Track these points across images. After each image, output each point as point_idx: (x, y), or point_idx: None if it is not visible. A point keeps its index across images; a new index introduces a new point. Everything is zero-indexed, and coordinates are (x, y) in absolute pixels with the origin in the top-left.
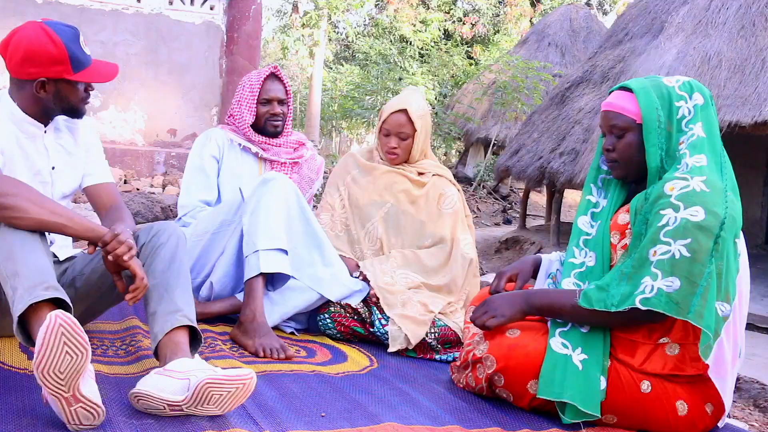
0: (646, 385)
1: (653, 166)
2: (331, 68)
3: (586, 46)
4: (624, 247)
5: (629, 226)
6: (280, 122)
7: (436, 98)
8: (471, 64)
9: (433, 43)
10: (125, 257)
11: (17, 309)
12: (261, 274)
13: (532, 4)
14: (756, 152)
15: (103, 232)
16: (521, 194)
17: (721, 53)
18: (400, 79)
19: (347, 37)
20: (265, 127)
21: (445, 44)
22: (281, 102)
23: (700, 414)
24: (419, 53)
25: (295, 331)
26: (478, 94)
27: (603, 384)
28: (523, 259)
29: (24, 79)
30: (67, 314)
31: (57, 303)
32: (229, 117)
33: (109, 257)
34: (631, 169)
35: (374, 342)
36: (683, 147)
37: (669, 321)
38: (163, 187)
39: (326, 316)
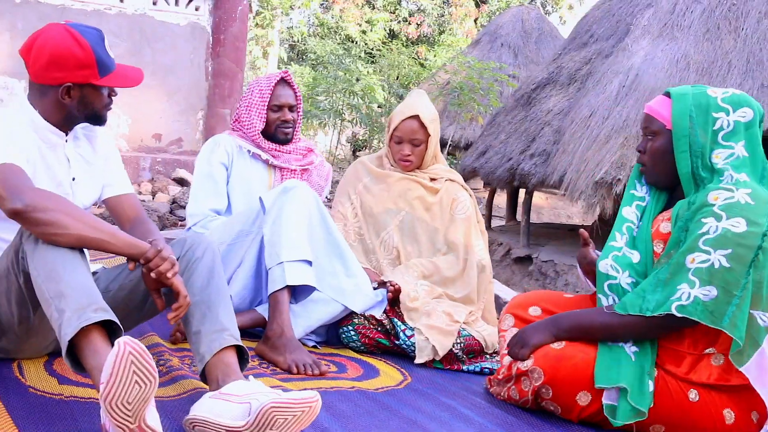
0: (693, 394)
1: (684, 173)
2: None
3: (538, 48)
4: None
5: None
6: (290, 129)
7: (393, 98)
8: (418, 64)
9: (382, 44)
10: (168, 274)
11: (66, 333)
12: (287, 286)
13: (477, 5)
14: None
15: (145, 248)
16: (479, 195)
17: (689, 56)
18: (357, 79)
19: (292, 38)
20: (276, 133)
21: (396, 45)
22: (292, 108)
23: (747, 422)
24: (368, 53)
25: (317, 344)
26: (434, 95)
27: (651, 386)
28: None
29: (48, 85)
30: (135, 341)
31: (105, 325)
32: (235, 122)
33: (152, 274)
34: (661, 174)
35: (397, 353)
36: (720, 161)
37: (713, 332)
38: (153, 194)
39: (350, 328)
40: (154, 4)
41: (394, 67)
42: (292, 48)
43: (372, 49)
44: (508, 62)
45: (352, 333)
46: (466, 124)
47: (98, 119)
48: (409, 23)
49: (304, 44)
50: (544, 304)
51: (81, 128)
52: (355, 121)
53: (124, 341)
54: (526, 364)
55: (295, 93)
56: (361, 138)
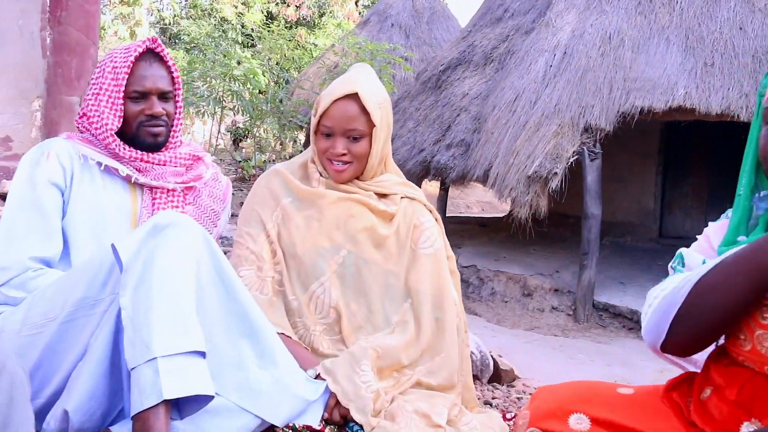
0: None
1: None
2: None
3: (430, 28)
4: None
5: None
6: (162, 128)
7: (275, 84)
8: (296, 48)
9: (264, 26)
10: None
11: None
12: (164, 401)
13: None
14: (648, 140)
15: None
16: None
17: (622, 31)
18: (239, 62)
19: (164, 20)
20: (140, 135)
21: (277, 27)
22: (164, 96)
23: None
24: (246, 36)
25: None
26: (322, 79)
27: None
28: None
29: None
30: None
31: None
32: (80, 119)
33: None
34: None
35: None
36: None
37: None
38: None
39: None
40: None
41: (274, 51)
42: (164, 31)
43: (251, 31)
44: (400, 43)
45: None
46: None
47: None
48: (288, 5)
49: (178, 26)
50: (593, 408)
51: None
52: (237, 108)
53: None
54: None
55: (171, 72)
56: (242, 126)
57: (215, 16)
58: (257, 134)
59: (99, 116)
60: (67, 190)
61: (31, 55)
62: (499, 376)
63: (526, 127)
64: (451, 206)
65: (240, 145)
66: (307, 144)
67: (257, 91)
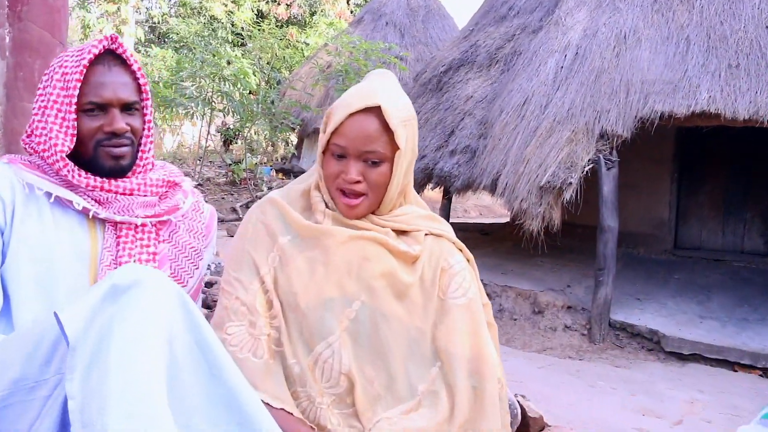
0: None
1: None
2: (140, 51)
3: (426, 27)
4: None
5: None
6: (127, 147)
7: (265, 84)
8: (287, 47)
9: (255, 24)
10: None
11: None
12: None
13: None
14: (662, 145)
15: None
16: None
17: (638, 30)
18: (229, 62)
19: (152, 18)
20: (98, 157)
21: (268, 25)
22: (128, 108)
23: None
24: (236, 35)
25: None
26: (314, 79)
27: None
28: None
29: None
30: None
31: None
32: (27, 138)
33: None
34: None
35: None
36: None
37: None
38: None
39: None
40: None
41: (265, 50)
42: (153, 29)
43: (242, 30)
44: (395, 43)
45: None
46: None
47: None
48: (279, 3)
49: (167, 25)
50: None
51: None
52: (227, 109)
53: None
54: None
55: (136, 78)
56: (232, 128)
57: (204, 15)
58: (248, 136)
59: (46, 135)
60: (6, 228)
61: None
62: (527, 425)
63: (537, 133)
64: None
65: (230, 147)
66: (300, 146)
67: (248, 91)
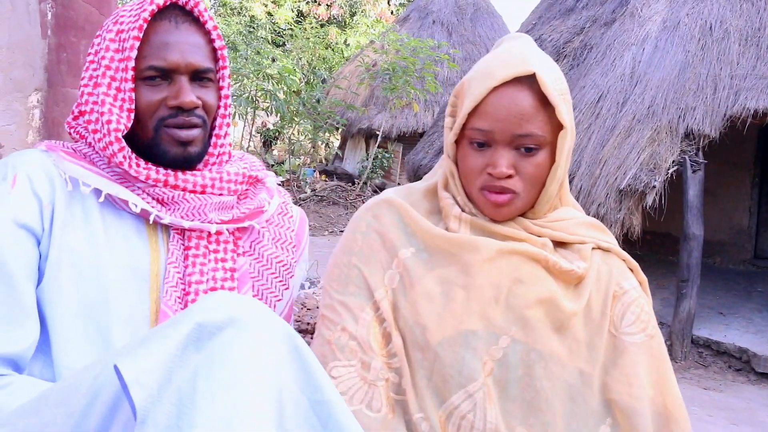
0: None
1: None
2: None
3: (474, 25)
4: None
5: None
6: (197, 130)
7: (306, 83)
8: (326, 47)
9: (296, 24)
10: None
11: None
12: None
13: None
14: (742, 148)
15: None
16: None
17: (726, 21)
18: (274, 60)
19: None
20: (159, 141)
21: (310, 25)
22: (200, 75)
23: None
24: (277, 34)
25: None
26: (360, 78)
27: None
28: None
29: None
30: None
31: None
32: (74, 119)
33: None
34: None
35: None
36: None
37: None
38: None
39: None
40: None
41: (306, 50)
42: None
43: (282, 30)
44: (443, 41)
45: None
46: (397, 113)
47: None
48: (319, 4)
49: None
50: None
51: None
52: (270, 109)
53: None
54: None
55: (211, 40)
56: (272, 128)
57: (244, 15)
58: (292, 136)
59: (98, 111)
60: (44, 236)
61: (27, 35)
62: None
63: (615, 132)
64: None
65: (271, 148)
66: (343, 146)
67: (292, 90)
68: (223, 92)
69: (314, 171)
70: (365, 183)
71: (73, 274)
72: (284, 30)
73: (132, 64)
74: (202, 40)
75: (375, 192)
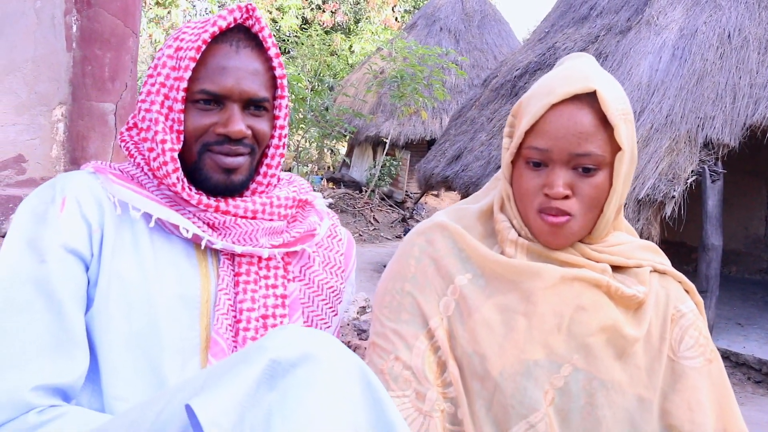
0: None
1: None
2: None
3: (481, 32)
4: None
5: None
6: (243, 158)
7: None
8: (331, 54)
9: (302, 31)
10: None
11: None
12: None
13: None
14: (758, 156)
15: None
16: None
17: (744, 29)
18: None
19: None
20: (202, 167)
21: (316, 30)
22: (254, 104)
23: None
24: (281, 40)
25: None
26: (367, 85)
27: None
28: None
29: None
30: None
31: None
32: (128, 130)
33: None
34: None
35: None
36: None
37: None
38: None
39: None
40: None
41: (311, 57)
42: None
43: (287, 37)
44: (451, 48)
45: None
46: (404, 120)
47: None
48: (323, 10)
49: None
50: None
51: None
52: None
53: None
54: None
55: (272, 68)
56: None
57: None
58: (299, 144)
59: (153, 129)
60: (93, 262)
61: (52, 48)
62: None
63: None
64: None
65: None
66: (350, 154)
67: (299, 98)
68: (279, 122)
69: (321, 179)
70: (373, 191)
71: (122, 303)
72: (289, 37)
73: (184, 85)
74: (262, 68)
75: (383, 199)
